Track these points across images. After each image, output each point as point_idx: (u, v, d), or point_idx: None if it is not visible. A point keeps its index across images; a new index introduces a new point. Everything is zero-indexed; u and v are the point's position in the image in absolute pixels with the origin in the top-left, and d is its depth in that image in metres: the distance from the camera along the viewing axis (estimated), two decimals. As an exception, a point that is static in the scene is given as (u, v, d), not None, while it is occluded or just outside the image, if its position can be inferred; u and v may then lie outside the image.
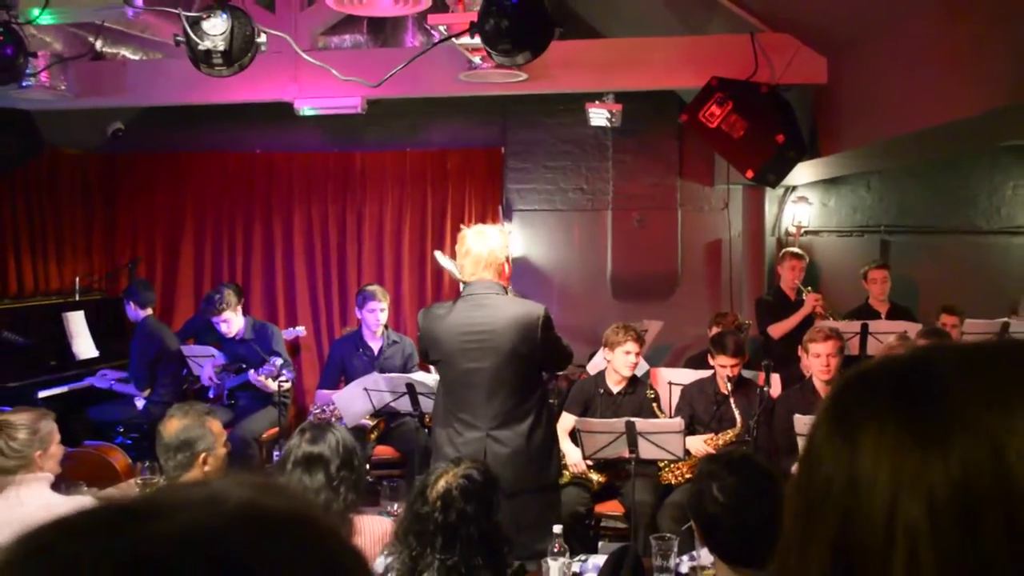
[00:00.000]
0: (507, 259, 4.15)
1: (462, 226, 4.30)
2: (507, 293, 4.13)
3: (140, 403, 6.80)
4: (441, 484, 2.65)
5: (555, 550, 3.43)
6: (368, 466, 6.19)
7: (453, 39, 4.20)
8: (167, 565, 0.56)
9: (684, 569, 3.64)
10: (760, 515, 2.50)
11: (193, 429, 3.40)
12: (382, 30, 6.64)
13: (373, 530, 3.03)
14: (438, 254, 4.78)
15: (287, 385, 6.51)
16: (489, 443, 4.02)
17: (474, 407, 4.06)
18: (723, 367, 5.44)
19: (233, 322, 6.77)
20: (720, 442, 5.34)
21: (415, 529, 2.62)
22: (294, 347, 8.24)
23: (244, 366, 6.64)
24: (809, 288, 7.03)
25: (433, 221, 8.51)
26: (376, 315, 6.68)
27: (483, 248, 4.05)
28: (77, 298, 8.03)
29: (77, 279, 8.19)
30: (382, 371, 6.08)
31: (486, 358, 4.00)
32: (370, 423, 6.23)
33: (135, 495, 0.63)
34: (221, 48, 3.95)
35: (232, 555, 0.58)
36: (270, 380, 6.43)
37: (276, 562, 0.60)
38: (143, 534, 0.58)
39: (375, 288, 6.82)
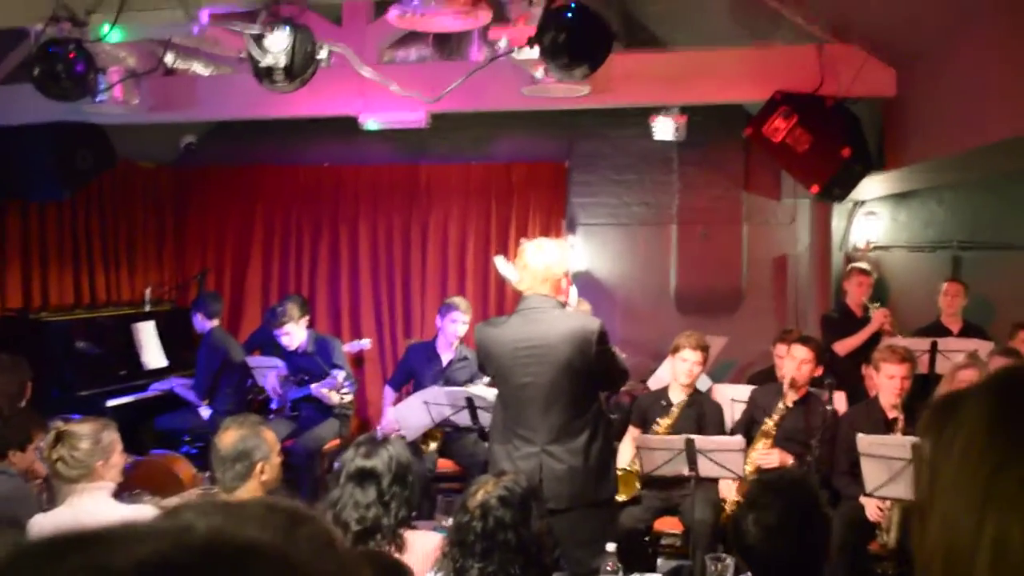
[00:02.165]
0: (566, 274, 4.12)
1: (522, 239, 4.29)
2: (564, 308, 4.11)
3: (206, 413, 6.88)
4: (480, 494, 2.67)
5: (608, 568, 3.39)
6: (430, 476, 6.20)
7: (512, 53, 4.20)
8: None
9: (740, 590, 3.58)
10: (799, 547, 2.47)
11: (249, 439, 3.43)
12: (448, 43, 6.67)
13: (424, 546, 3.02)
14: (499, 259, 4.76)
15: (349, 398, 6.54)
16: (544, 459, 3.99)
17: (530, 422, 4.04)
18: (794, 360, 5.34)
19: (295, 335, 6.82)
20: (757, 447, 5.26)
21: (457, 540, 2.63)
22: (358, 359, 8.30)
23: (307, 378, 6.70)
24: (877, 304, 6.86)
25: (497, 234, 8.51)
26: (457, 326, 6.73)
27: (540, 263, 4.03)
28: (147, 308, 8.15)
29: (148, 290, 8.32)
30: (447, 383, 6.09)
31: (541, 372, 3.97)
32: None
33: (105, 524, 0.60)
34: (283, 64, 4.00)
35: None
36: (333, 393, 6.48)
37: None
38: (92, 564, 0.55)
39: (460, 300, 6.89)
